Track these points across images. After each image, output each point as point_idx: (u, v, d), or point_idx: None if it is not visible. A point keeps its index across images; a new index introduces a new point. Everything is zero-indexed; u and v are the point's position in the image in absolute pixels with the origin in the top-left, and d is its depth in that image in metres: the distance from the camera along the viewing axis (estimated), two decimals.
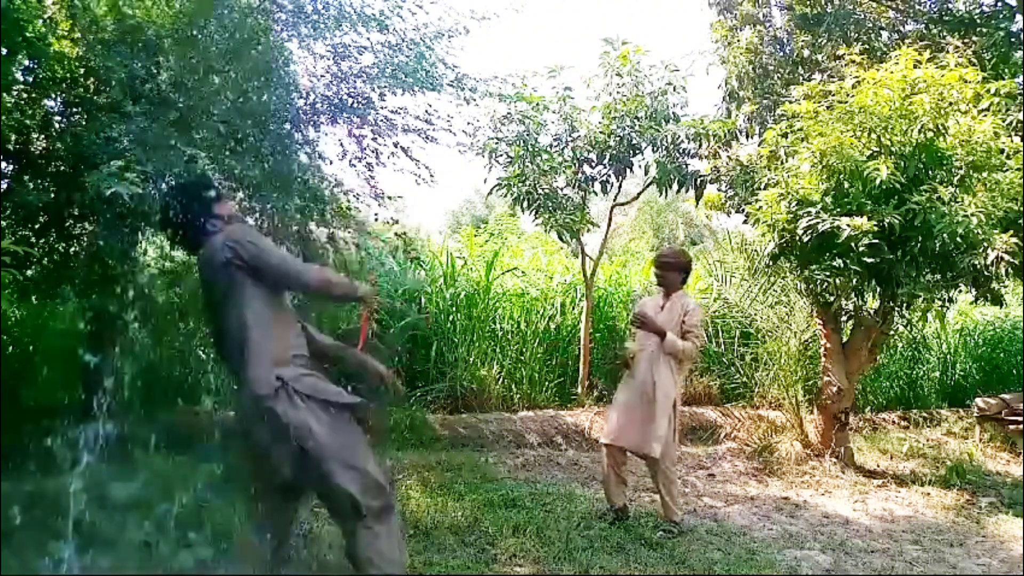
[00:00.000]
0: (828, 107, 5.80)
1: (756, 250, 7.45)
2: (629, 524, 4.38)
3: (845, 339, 6.43)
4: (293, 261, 2.59)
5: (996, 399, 7.36)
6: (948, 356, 9.91)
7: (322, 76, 5.89)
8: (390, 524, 2.53)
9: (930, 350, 9.70)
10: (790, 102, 6.19)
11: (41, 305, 6.09)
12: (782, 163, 6.10)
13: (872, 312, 6.06)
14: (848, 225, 5.10)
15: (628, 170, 7.45)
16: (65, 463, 4.11)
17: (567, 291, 8.41)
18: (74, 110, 4.78)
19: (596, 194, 7.71)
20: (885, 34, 8.63)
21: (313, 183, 5.66)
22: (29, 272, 4.79)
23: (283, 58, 5.41)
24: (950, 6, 8.45)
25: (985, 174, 5.34)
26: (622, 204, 8.96)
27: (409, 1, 5.92)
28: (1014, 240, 4.99)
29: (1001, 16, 7.92)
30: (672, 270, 4.48)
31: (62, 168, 4.55)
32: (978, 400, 7.54)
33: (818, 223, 5.30)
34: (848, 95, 5.68)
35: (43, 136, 4.70)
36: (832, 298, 5.82)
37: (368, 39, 5.84)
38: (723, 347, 7.99)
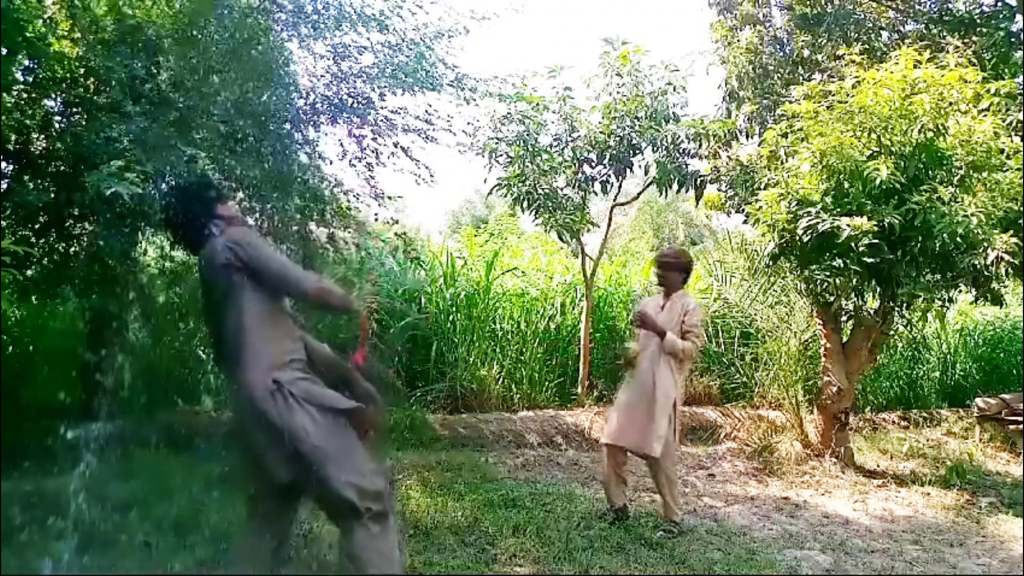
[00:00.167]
0: (828, 107, 5.80)
1: (756, 250, 7.45)
2: (629, 524, 4.38)
3: (845, 339, 6.43)
4: (293, 268, 2.57)
5: (996, 399, 7.35)
6: (948, 356, 9.91)
7: (322, 76, 5.89)
8: (388, 525, 2.53)
9: (930, 350, 9.70)
10: (790, 102, 6.19)
11: (41, 305, 6.09)
12: (782, 163, 6.10)
13: (872, 312, 6.06)
14: (848, 225, 5.10)
15: (628, 170, 7.45)
16: (65, 463, 4.11)
17: (567, 291, 8.41)
18: (74, 110, 4.78)
19: (596, 194, 7.71)
20: (885, 34, 8.63)
21: (313, 183, 5.66)
22: (29, 272, 4.79)
23: (283, 58, 5.41)
24: (950, 6, 8.45)
25: (985, 174, 5.34)
26: (622, 204, 8.96)
27: (409, 1, 5.93)
28: (1014, 240, 4.99)
29: (1001, 16, 7.92)
30: (673, 270, 4.49)
31: (62, 168, 4.55)
32: (978, 400, 7.54)
33: (818, 223, 5.30)
34: (848, 95, 5.68)
35: (43, 136, 4.70)
36: (832, 298, 5.82)
37: (368, 39, 5.84)
38: (723, 347, 7.99)
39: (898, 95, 5.48)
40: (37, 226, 4.76)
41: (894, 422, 8.32)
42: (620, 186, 7.70)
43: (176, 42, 4.69)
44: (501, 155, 7.20)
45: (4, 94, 4.05)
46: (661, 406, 4.23)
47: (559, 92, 7.36)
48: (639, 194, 8.57)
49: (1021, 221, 5.23)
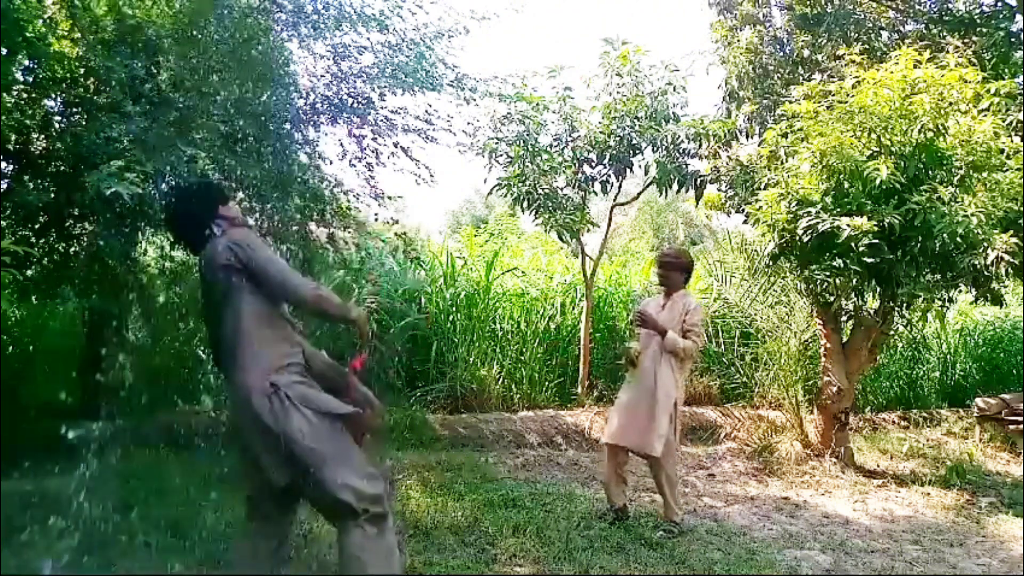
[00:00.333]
0: (828, 107, 5.80)
1: (756, 250, 7.45)
2: (629, 524, 4.37)
3: (845, 339, 6.42)
4: (292, 273, 2.56)
5: (996, 399, 7.35)
6: (948, 356, 9.90)
7: (322, 76, 5.89)
8: (386, 527, 2.52)
9: (930, 350, 9.70)
10: (790, 102, 6.18)
11: (41, 305, 6.10)
12: (782, 163, 6.10)
13: (872, 312, 6.06)
14: (848, 225, 5.10)
15: (628, 170, 7.45)
16: (65, 463, 4.11)
17: (567, 291, 8.41)
18: (74, 110, 4.78)
19: (596, 194, 7.71)
20: (885, 34, 8.63)
21: (313, 183, 5.67)
22: (29, 272, 4.79)
23: (283, 58, 5.41)
24: (950, 6, 8.45)
25: (985, 174, 5.33)
26: (622, 204, 8.96)
27: (409, 1, 5.93)
28: (1014, 240, 4.99)
29: (1001, 16, 7.92)
30: (674, 270, 4.49)
31: (62, 168, 4.55)
32: (978, 400, 7.54)
33: (818, 223, 5.30)
34: (848, 95, 5.68)
35: (43, 136, 4.70)
36: (832, 298, 5.82)
37: (368, 39, 5.85)
38: (723, 347, 7.99)
39: (898, 95, 5.48)
40: (37, 226, 4.76)
41: (894, 422, 8.32)
42: (620, 186, 7.70)
43: (176, 42, 4.69)
44: (501, 155, 7.20)
45: (4, 94, 4.05)
46: (662, 405, 4.23)
47: (559, 92, 7.36)
48: (639, 194, 8.57)
49: (1021, 221, 5.23)
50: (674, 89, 7.39)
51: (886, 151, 5.46)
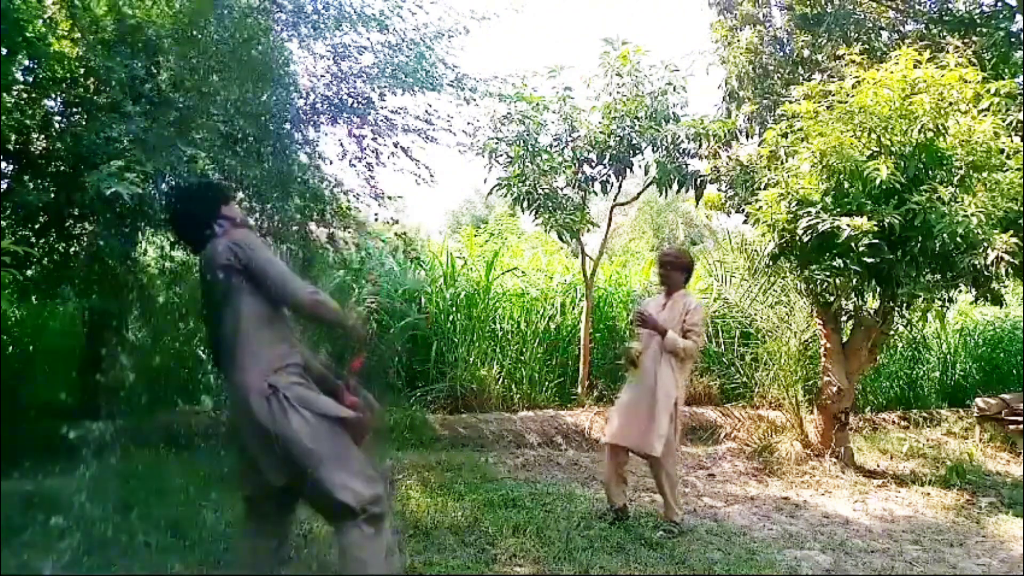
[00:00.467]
0: (828, 107, 5.80)
1: (756, 250, 7.44)
2: (629, 524, 4.37)
3: (845, 339, 6.42)
4: (292, 277, 2.54)
5: (996, 399, 7.35)
6: (948, 356, 9.90)
7: (322, 76, 5.89)
8: (383, 528, 2.52)
9: (930, 350, 9.70)
10: (790, 102, 6.18)
11: (41, 305, 6.09)
12: (782, 163, 6.10)
13: (872, 312, 6.06)
14: (848, 225, 5.10)
15: (628, 170, 7.44)
16: (65, 463, 4.11)
17: (567, 291, 8.41)
18: (74, 110, 4.79)
19: (596, 194, 7.71)
20: (885, 34, 8.63)
21: (313, 183, 5.67)
22: (29, 272, 4.79)
23: (283, 58, 5.41)
24: (950, 6, 8.45)
25: (985, 174, 5.33)
26: (622, 204, 8.96)
27: (409, 1, 5.94)
28: (1014, 240, 4.99)
29: (1001, 16, 7.92)
30: (675, 269, 4.49)
31: (62, 168, 4.55)
32: (978, 400, 7.54)
33: (818, 223, 5.30)
34: (848, 95, 5.68)
35: (43, 136, 4.70)
36: (832, 298, 5.82)
37: (368, 39, 5.85)
38: (723, 347, 7.99)
39: (898, 95, 5.48)
40: (37, 226, 4.76)
41: (894, 422, 8.32)
42: (620, 186, 7.70)
43: (176, 42, 4.69)
44: (501, 155, 7.19)
45: (4, 94, 4.05)
46: (662, 405, 4.23)
47: (559, 92, 7.36)
48: (639, 194, 8.57)
49: (1021, 221, 5.22)
50: (674, 89, 7.39)
51: (886, 151, 5.46)
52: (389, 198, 6.22)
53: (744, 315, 7.75)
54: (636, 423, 4.31)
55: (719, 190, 7.24)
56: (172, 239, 5.62)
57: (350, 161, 6.02)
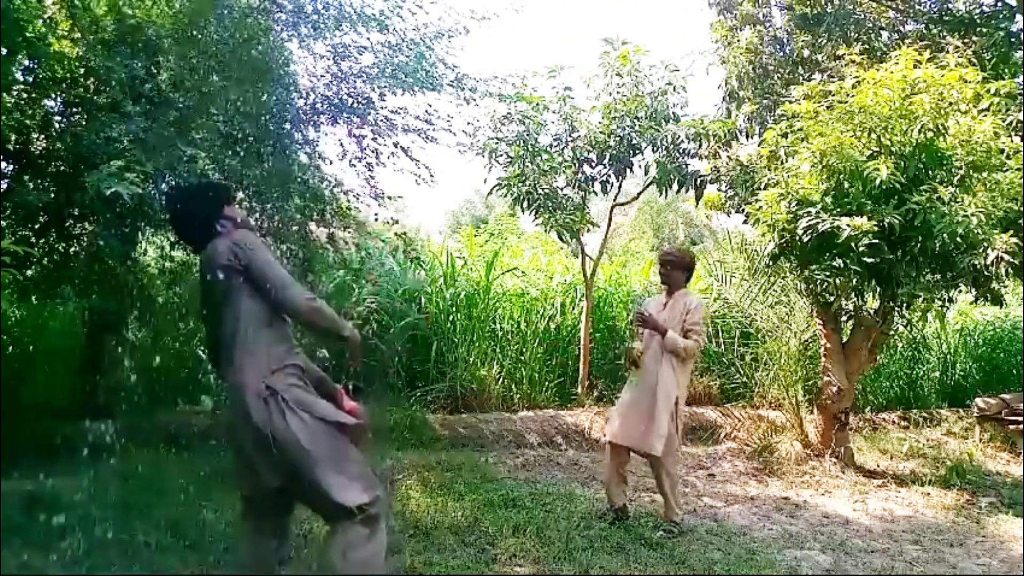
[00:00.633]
0: (828, 107, 5.80)
1: (756, 250, 7.45)
2: (629, 524, 4.38)
3: (845, 339, 6.42)
4: (291, 282, 2.53)
5: (996, 399, 7.35)
6: (948, 356, 9.90)
7: (322, 76, 5.89)
8: (378, 529, 2.52)
9: (930, 350, 9.70)
10: (790, 102, 6.18)
11: (41, 305, 6.09)
12: (782, 163, 6.10)
13: (872, 312, 6.06)
14: (848, 225, 5.09)
15: (628, 170, 7.44)
16: (65, 463, 4.11)
17: (567, 291, 8.41)
18: (74, 110, 4.78)
19: (596, 194, 7.71)
20: (885, 34, 8.63)
21: (313, 183, 5.67)
22: (29, 272, 4.79)
23: (283, 58, 5.41)
24: (950, 6, 8.45)
25: (985, 174, 5.33)
26: (622, 204, 8.96)
27: (409, 1, 5.93)
28: (1014, 240, 4.99)
29: (1001, 16, 7.92)
30: (676, 268, 4.50)
31: (62, 168, 4.55)
32: (978, 400, 7.54)
33: (818, 223, 5.30)
34: (848, 95, 5.68)
35: (43, 136, 4.70)
36: (832, 298, 5.82)
37: (368, 39, 5.85)
38: (723, 347, 7.99)
39: (898, 95, 5.48)
40: (37, 226, 4.76)
41: (894, 422, 8.32)
42: (620, 186, 7.70)
43: (176, 42, 4.69)
44: (501, 155, 7.19)
45: (4, 94, 4.05)
46: (662, 405, 4.24)
47: (559, 92, 7.35)
48: (639, 194, 8.57)
49: (1021, 221, 5.22)
50: (674, 89, 7.39)
51: (886, 151, 5.46)
52: (389, 198, 6.22)
53: (744, 315, 7.75)
54: (637, 422, 4.31)
55: (719, 190, 7.24)
56: (172, 239, 5.63)
57: (350, 161, 6.02)
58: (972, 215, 4.98)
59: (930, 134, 5.44)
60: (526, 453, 6.24)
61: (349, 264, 6.55)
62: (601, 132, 7.20)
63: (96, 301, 5.11)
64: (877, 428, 8.02)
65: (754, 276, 7.72)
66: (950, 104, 5.50)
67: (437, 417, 6.61)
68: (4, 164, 4.67)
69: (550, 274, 8.82)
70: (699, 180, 7.23)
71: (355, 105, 5.83)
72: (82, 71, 4.61)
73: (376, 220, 6.51)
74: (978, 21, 7.92)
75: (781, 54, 8.60)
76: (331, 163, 6.06)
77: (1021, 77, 7.16)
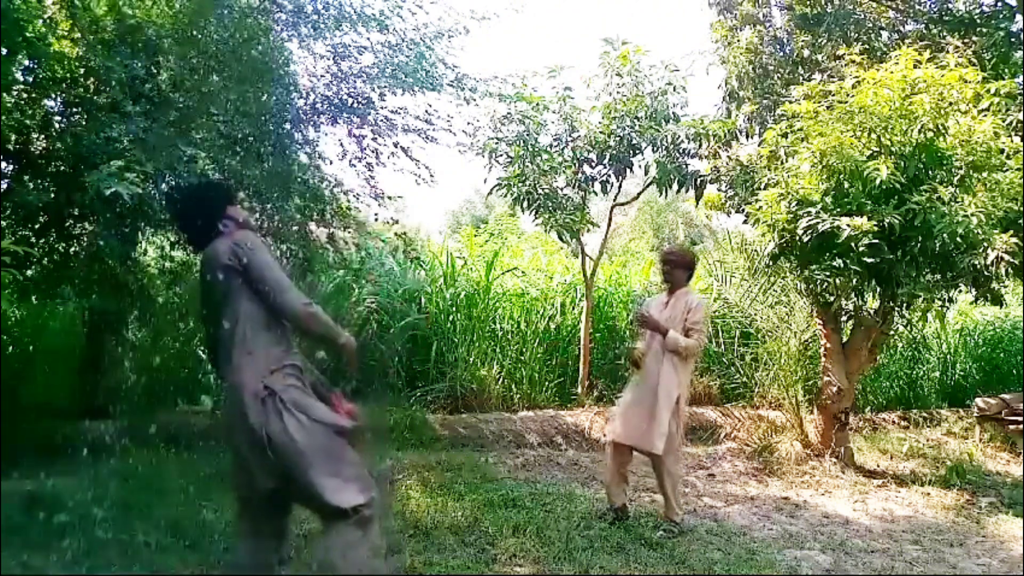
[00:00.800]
0: (828, 107, 5.80)
1: (756, 250, 7.45)
2: (629, 524, 4.37)
3: (845, 339, 6.42)
4: (289, 286, 2.52)
5: (996, 399, 7.35)
6: (948, 356, 9.90)
7: (322, 76, 5.90)
8: (372, 530, 2.53)
9: (930, 350, 9.70)
10: (790, 102, 6.18)
11: (41, 305, 6.10)
12: (782, 163, 6.10)
13: (872, 312, 6.06)
14: (848, 225, 5.10)
15: (628, 170, 7.45)
16: (65, 463, 4.11)
17: (567, 291, 8.41)
18: (74, 110, 4.78)
19: (596, 194, 7.71)
20: (885, 34, 8.62)
21: (313, 183, 5.67)
22: (29, 272, 4.79)
23: (283, 58, 5.41)
24: (950, 6, 8.45)
25: (985, 174, 5.33)
26: (622, 204, 8.96)
27: (409, 1, 5.94)
28: (1014, 240, 4.99)
29: (1001, 16, 7.92)
30: (677, 267, 4.51)
31: (62, 168, 4.55)
32: (978, 400, 7.54)
33: (818, 223, 5.30)
34: (848, 95, 5.68)
35: (43, 136, 4.70)
36: (832, 298, 5.82)
37: (368, 39, 5.86)
38: (723, 347, 7.99)
39: (898, 95, 5.48)
40: (37, 226, 4.76)
41: (894, 422, 8.32)
42: (620, 186, 7.70)
43: (176, 42, 4.69)
44: (501, 155, 7.19)
45: (4, 94, 4.05)
46: (663, 403, 4.24)
47: (559, 92, 7.36)
48: (639, 194, 8.57)
49: (1021, 221, 5.22)
50: (674, 89, 7.39)
51: (886, 151, 5.46)
52: (389, 198, 6.22)
53: (744, 315, 7.75)
54: (638, 421, 4.32)
55: (719, 190, 7.24)
56: (172, 239, 5.63)
57: (350, 161, 6.02)
58: (972, 215, 4.98)
59: (930, 134, 5.44)
60: (526, 453, 6.24)
61: (349, 264, 6.55)
62: (601, 132, 7.20)
63: (96, 301, 5.11)
64: (877, 428, 8.02)
65: (754, 276, 7.72)
66: (950, 104, 5.50)
67: (437, 417, 6.61)
68: (4, 164, 4.67)
69: (550, 274, 8.82)
70: (699, 180, 7.23)
71: (355, 105, 5.83)
72: (82, 71, 4.61)
73: (376, 220, 6.51)
74: (978, 21, 7.92)
75: (781, 54, 8.60)
76: (331, 163, 6.08)
77: (1021, 77, 7.15)
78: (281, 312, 2.51)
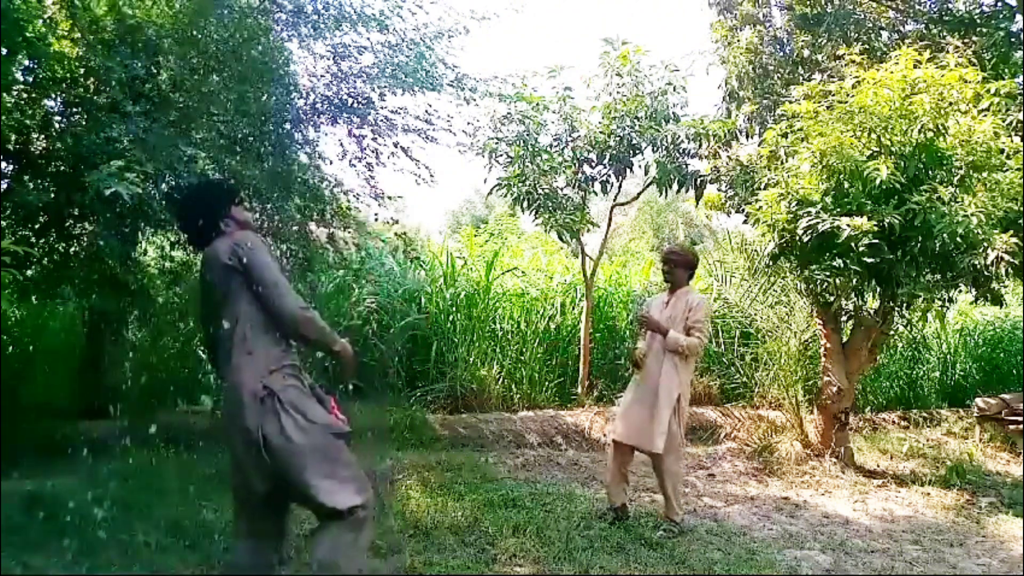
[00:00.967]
0: (828, 107, 5.80)
1: (756, 250, 7.44)
2: (629, 524, 4.38)
3: (845, 339, 6.42)
4: (286, 288, 2.51)
5: (996, 399, 7.35)
6: (948, 356, 9.90)
7: (322, 76, 5.89)
8: (362, 533, 2.53)
9: (930, 350, 9.69)
10: (790, 102, 6.18)
11: (41, 305, 6.10)
12: (782, 163, 6.10)
13: (872, 312, 6.06)
14: (848, 225, 5.09)
15: (628, 170, 7.45)
16: (65, 463, 4.11)
17: (567, 291, 8.41)
18: (74, 110, 4.78)
19: (596, 194, 7.71)
20: (885, 34, 8.62)
21: (313, 183, 5.67)
22: (29, 272, 4.78)
23: (283, 58, 5.41)
24: (950, 6, 8.45)
25: (985, 174, 5.33)
26: (622, 204, 8.96)
27: (409, 1, 5.93)
28: (1014, 240, 4.99)
29: (1001, 16, 7.92)
30: (679, 266, 4.51)
31: (62, 168, 4.55)
32: (978, 400, 7.54)
33: (818, 223, 5.30)
34: (848, 95, 5.68)
35: (43, 136, 4.69)
36: (832, 298, 5.82)
37: (368, 39, 5.85)
38: (723, 347, 7.99)
39: (898, 95, 5.48)
40: (37, 226, 4.76)
41: (894, 422, 8.32)
42: (620, 186, 7.70)
43: (176, 42, 4.69)
44: (501, 155, 7.19)
45: (4, 94, 4.05)
46: (664, 401, 4.25)
47: (559, 92, 7.36)
48: (639, 194, 8.57)
49: (1021, 221, 5.22)
50: (674, 89, 7.39)
51: (886, 151, 5.46)
52: (389, 198, 6.22)
53: (744, 315, 7.75)
54: (639, 420, 4.33)
55: (719, 190, 7.24)
56: (172, 239, 5.63)
57: (350, 161, 6.02)
58: (972, 215, 4.98)
59: (930, 134, 5.44)
60: (526, 453, 6.24)
61: (349, 264, 6.55)
62: (601, 132, 7.20)
63: (96, 301, 5.11)
64: (877, 428, 8.02)
65: (754, 276, 7.72)
66: (950, 104, 5.50)
67: (437, 417, 6.61)
68: (4, 164, 4.67)
69: (550, 274, 8.83)
70: (699, 180, 7.23)
71: (355, 105, 5.83)
72: (82, 71, 4.61)
73: (376, 220, 6.51)
74: (978, 21, 7.92)
75: (781, 54, 8.60)
76: (331, 163, 6.07)
77: (1021, 77, 7.15)
78: (278, 314, 2.49)
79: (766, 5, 8.83)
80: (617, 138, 7.17)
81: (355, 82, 5.87)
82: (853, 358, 6.31)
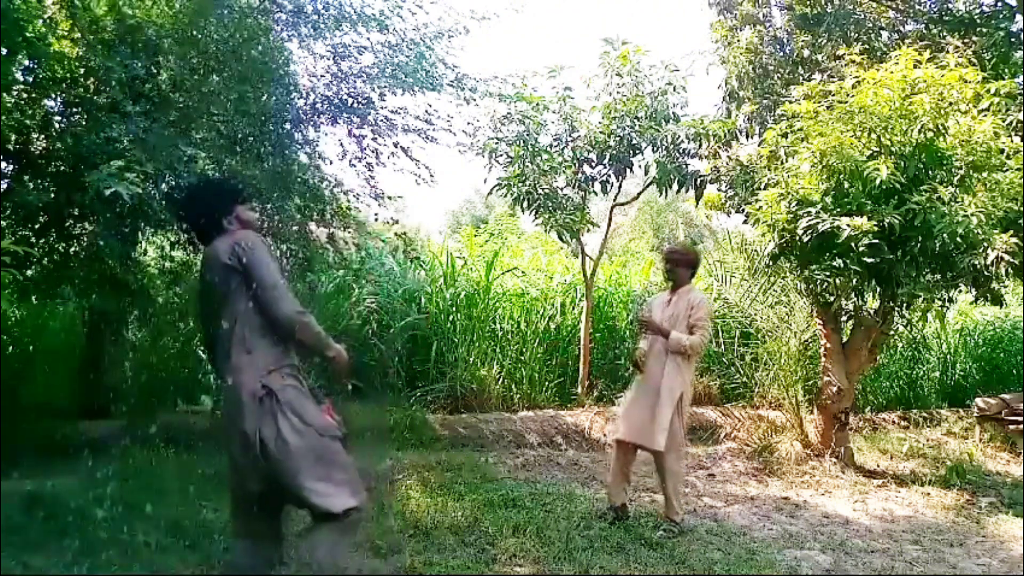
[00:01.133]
0: (828, 107, 5.80)
1: (756, 250, 7.44)
2: (629, 524, 4.38)
3: (845, 339, 6.42)
4: (284, 290, 2.51)
5: (996, 399, 7.35)
6: (948, 356, 9.90)
7: (322, 76, 5.89)
8: (354, 534, 2.54)
9: (930, 350, 9.69)
10: (790, 102, 6.18)
11: (41, 305, 6.10)
12: (782, 163, 6.10)
13: (872, 312, 6.06)
14: (848, 225, 5.10)
15: (628, 170, 7.44)
16: (64, 463, 4.11)
17: (567, 291, 8.41)
18: (74, 110, 4.78)
19: (596, 194, 7.71)
20: (885, 34, 8.62)
21: (313, 183, 5.67)
22: (29, 272, 4.79)
23: (283, 58, 5.41)
24: (950, 6, 8.45)
25: (985, 174, 5.33)
26: (622, 204, 8.96)
27: (409, 1, 5.93)
28: (1014, 240, 4.99)
29: (1001, 16, 7.92)
30: (680, 265, 4.52)
31: (62, 168, 4.55)
32: (978, 400, 7.54)
33: (818, 223, 5.30)
34: (848, 95, 5.68)
35: (43, 136, 4.70)
36: (832, 298, 5.82)
37: (368, 39, 5.85)
38: (723, 347, 7.98)
39: (898, 95, 5.48)
40: (37, 226, 4.76)
41: (894, 422, 8.32)
42: (620, 186, 7.70)
43: (176, 42, 4.69)
44: (501, 155, 7.19)
45: (4, 94, 4.05)
46: (665, 399, 4.25)
47: (559, 92, 7.35)
48: (639, 194, 8.57)
49: (1021, 221, 5.22)
50: (674, 89, 7.39)
51: (886, 151, 5.46)
52: (389, 198, 6.22)
53: (744, 315, 7.74)
54: (640, 418, 4.34)
55: (719, 190, 7.24)
56: (172, 239, 5.63)
57: (350, 161, 6.02)
58: (972, 215, 4.98)
59: (930, 134, 5.44)
60: (526, 453, 6.24)
61: (349, 264, 6.55)
62: (601, 132, 7.20)
63: (96, 301, 5.11)
64: (877, 428, 8.02)
65: (754, 276, 7.72)
66: (950, 104, 5.50)
67: (437, 417, 6.61)
68: (4, 164, 4.67)
69: (550, 274, 8.82)
70: (699, 180, 7.23)
71: (355, 105, 5.83)
72: (82, 71, 4.61)
73: (376, 220, 6.51)
74: (978, 21, 7.92)
75: (781, 54, 8.59)
76: (331, 163, 6.07)
77: (1021, 77, 7.15)
78: (274, 316, 2.49)
79: (766, 5, 8.82)
80: (617, 138, 7.17)
81: (355, 82, 5.87)
82: (853, 358, 6.31)
